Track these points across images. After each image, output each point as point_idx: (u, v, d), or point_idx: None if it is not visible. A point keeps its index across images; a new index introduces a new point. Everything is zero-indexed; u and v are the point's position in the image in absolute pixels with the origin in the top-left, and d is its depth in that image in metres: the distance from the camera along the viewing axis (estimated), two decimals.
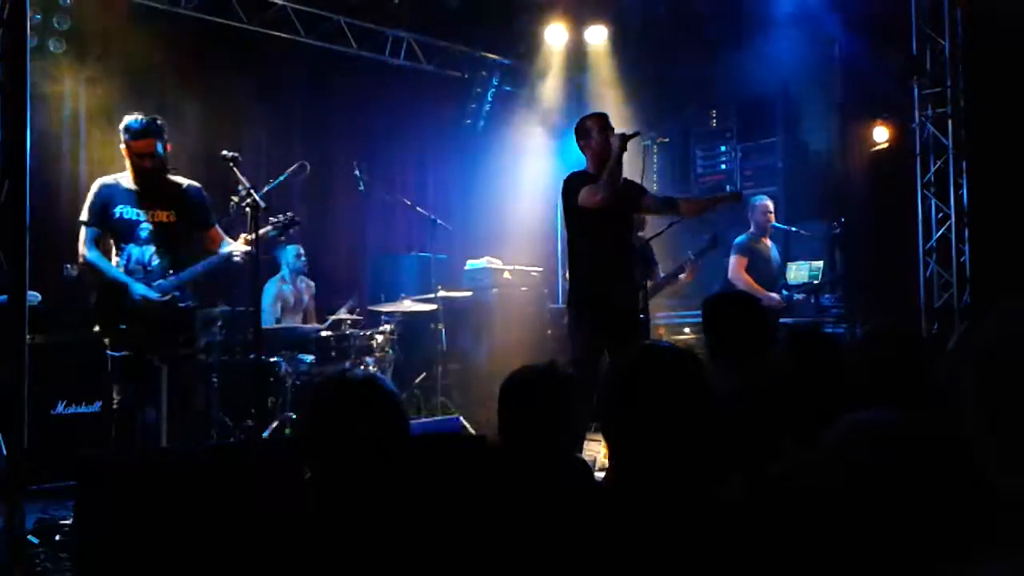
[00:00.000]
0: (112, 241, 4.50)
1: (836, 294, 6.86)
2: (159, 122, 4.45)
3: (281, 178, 5.18)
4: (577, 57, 8.83)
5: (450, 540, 1.83)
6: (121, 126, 4.41)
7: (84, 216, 4.47)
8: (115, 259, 4.47)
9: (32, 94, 3.46)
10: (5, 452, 3.36)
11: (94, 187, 4.52)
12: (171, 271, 4.49)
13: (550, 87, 9.09)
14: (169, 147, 4.52)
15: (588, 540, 1.75)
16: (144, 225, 4.45)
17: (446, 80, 8.87)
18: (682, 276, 6.15)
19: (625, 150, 4.85)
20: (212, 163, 4.87)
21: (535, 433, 2.17)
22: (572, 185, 5.03)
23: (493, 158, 8.63)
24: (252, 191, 4.54)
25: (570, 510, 1.89)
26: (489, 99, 9.06)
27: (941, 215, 7.20)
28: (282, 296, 6.85)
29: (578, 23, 8.59)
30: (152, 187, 4.47)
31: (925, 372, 2.41)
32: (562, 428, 2.19)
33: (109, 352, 4.36)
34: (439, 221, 7.09)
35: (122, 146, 4.44)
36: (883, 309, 7.30)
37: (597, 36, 8.61)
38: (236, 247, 4.56)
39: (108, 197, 4.45)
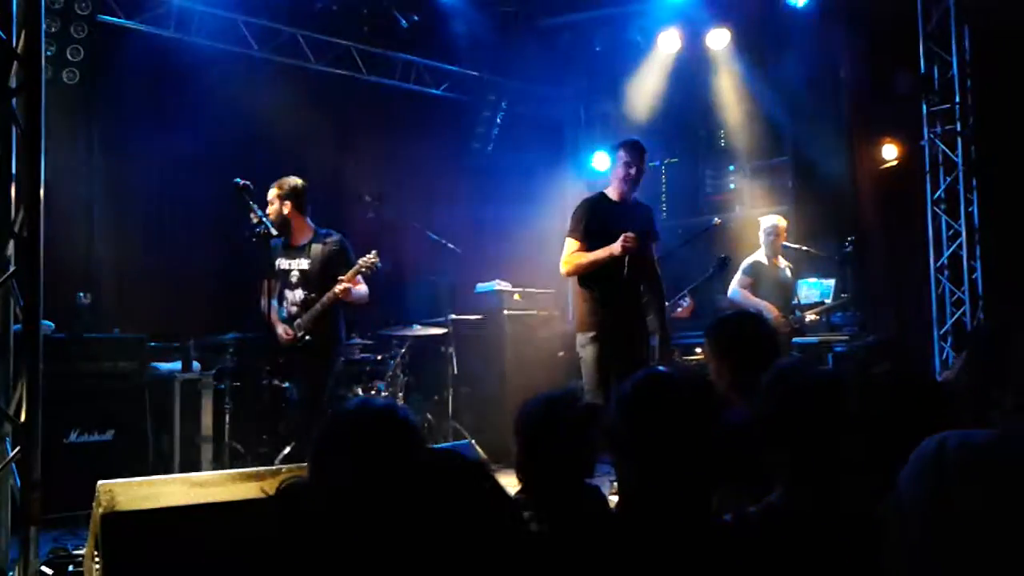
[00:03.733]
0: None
1: (848, 313, 6.83)
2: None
3: None
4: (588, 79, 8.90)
5: (466, 569, 1.82)
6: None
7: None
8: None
9: (46, 126, 3.48)
10: (19, 482, 3.37)
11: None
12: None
13: (559, 109, 9.13)
14: (288, 205, 5.11)
15: (603, 567, 1.75)
16: (293, 272, 5.19)
17: (454, 103, 8.92)
18: (679, 311, 5.83)
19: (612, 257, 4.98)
20: (226, 192, 4.91)
21: (550, 462, 2.16)
22: (571, 219, 5.23)
23: (502, 181, 8.65)
24: (264, 219, 4.61)
25: (585, 537, 1.88)
26: (498, 122, 9.09)
27: (951, 232, 7.17)
28: None
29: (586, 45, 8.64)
30: (292, 238, 5.20)
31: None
32: (577, 457, 2.17)
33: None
34: (448, 244, 7.09)
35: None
36: (895, 328, 7.27)
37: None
38: (330, 294, 5.04)
39: (272, 251, 5.09)
